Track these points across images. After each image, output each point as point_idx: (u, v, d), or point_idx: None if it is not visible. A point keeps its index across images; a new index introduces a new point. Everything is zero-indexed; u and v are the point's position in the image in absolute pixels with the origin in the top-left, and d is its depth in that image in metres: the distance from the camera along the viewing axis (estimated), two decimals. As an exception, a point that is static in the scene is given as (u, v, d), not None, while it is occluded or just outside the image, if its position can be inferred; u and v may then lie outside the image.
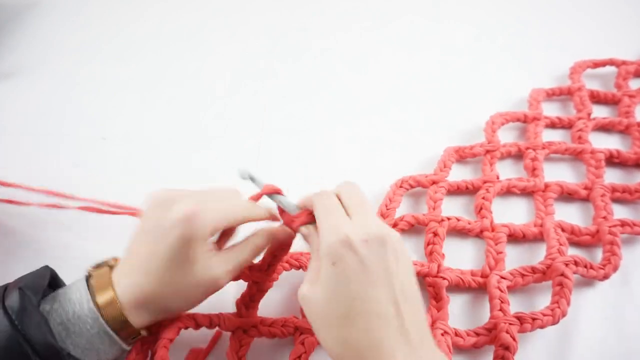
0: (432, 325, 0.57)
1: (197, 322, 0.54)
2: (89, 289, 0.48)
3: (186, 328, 0.54)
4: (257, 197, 0.56)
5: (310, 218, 0.52)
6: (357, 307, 0.42)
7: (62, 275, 0.53)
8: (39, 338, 0.43)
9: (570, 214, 0.71)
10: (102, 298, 0.47)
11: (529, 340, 0.57)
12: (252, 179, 0.55)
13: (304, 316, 0.58)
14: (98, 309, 0.47)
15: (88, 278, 0.49)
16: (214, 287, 0.51)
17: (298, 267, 0.61)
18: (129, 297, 0.48)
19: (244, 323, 0.56)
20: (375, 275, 0.43)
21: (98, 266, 0.51)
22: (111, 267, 0.50)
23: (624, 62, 0.92)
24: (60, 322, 0.46)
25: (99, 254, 0.53)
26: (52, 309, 0.46)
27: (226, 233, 0.56)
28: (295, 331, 0.56)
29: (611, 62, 0.93)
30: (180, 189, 0.52)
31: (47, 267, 0.51)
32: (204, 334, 0.57)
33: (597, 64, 0.93)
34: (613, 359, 0.58)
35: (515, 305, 0.60)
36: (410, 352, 0.41)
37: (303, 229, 0.52)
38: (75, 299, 0.47)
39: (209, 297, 0.52)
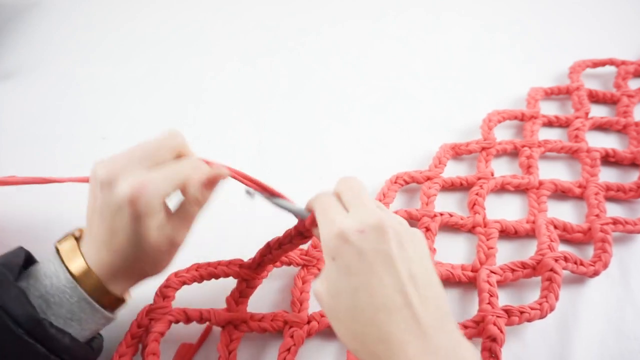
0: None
1: (187, 316, 0.55)
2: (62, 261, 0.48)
3: (177, 322, 0.55)
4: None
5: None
6: (361, 300, 0.41)
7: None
8: (18, 310, 0.44)
9: (565, 212, 0.71)
10: (75, 268, 0.47)
11: (528, 340, 0.57)
12: (253, 194, 0.54)
13: (293, 310, 0.59)
14: (74, 278, 0.47)
15: (58, 251, 0.49)
16: (176, 247, 0.51)
17: (288, 264, 0.62)
18: (100, 272, 0.48)
19: (234, 318, 0.56)
20: (377, 265, 0.41)
21: (64, 239, 0.50)
22: (77, 238, 0.50)
23: (623, 62, 0.92)
24: (39, 295, 0.46)
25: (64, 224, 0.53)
26: (29, 285, 0.47)
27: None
28: (285, 325, 0.57)
29: (611, 62, 0.92)
30: (120, 154, 0.48)
31: (21, 247, 0.51)
32: (196, 330, 0.58)
33: (596, 64, 0.92)
34: (612, 358, 0.57)
35: (505, 300, 0.60)
36: (424, 342, 0.39)
37: (316, 231, 0.51)
38: (51, 272, 0.47)
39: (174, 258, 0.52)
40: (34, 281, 0.47)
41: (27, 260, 0.51)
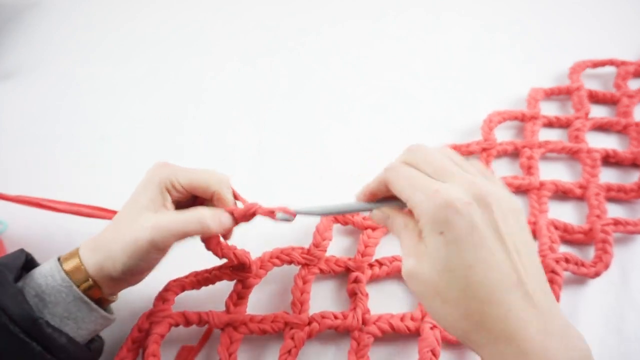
0: (422, 319, 0.57)
1: (187, 319, 0.55)
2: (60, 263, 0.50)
3: (177, 325, 0.55)
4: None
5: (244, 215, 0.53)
6: (475, 276, 0.38)
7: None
8: (14, 308, 0.45)
9: (565, 213, 0.71)
10: (68, 265, 0.49)
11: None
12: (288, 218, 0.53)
13: (294, 311, 0.58)
14: (67, 275, 0.48)
15: (59, 258, 0.51)
16: (137, 241, 0.49)
17: (289, 262, 0.61)
18: (87, 247, 0.51)
19: (233, 320, 0.57)
20: (488, 240, 0.38)
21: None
22: None
23: (623, 63, 0.92)
24: (35, 294, 0.47)
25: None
26: (25, 284, 0.48)
27: None
28: (285, 326, 0.57)
29: (611, 62, 0.92)
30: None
31: (22, 250, 0.52)
32: (197, 333, 0.58)
33: (596, 64, 0.92)
34: (613, 359, 0.57)
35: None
36: (542, 323, 0.37)
37: (377, 213, 0.48)
38: (47, 272, 0.49)
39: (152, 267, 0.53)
40: (29, 280, 0.48)
41: (29, 263, 0.52)
